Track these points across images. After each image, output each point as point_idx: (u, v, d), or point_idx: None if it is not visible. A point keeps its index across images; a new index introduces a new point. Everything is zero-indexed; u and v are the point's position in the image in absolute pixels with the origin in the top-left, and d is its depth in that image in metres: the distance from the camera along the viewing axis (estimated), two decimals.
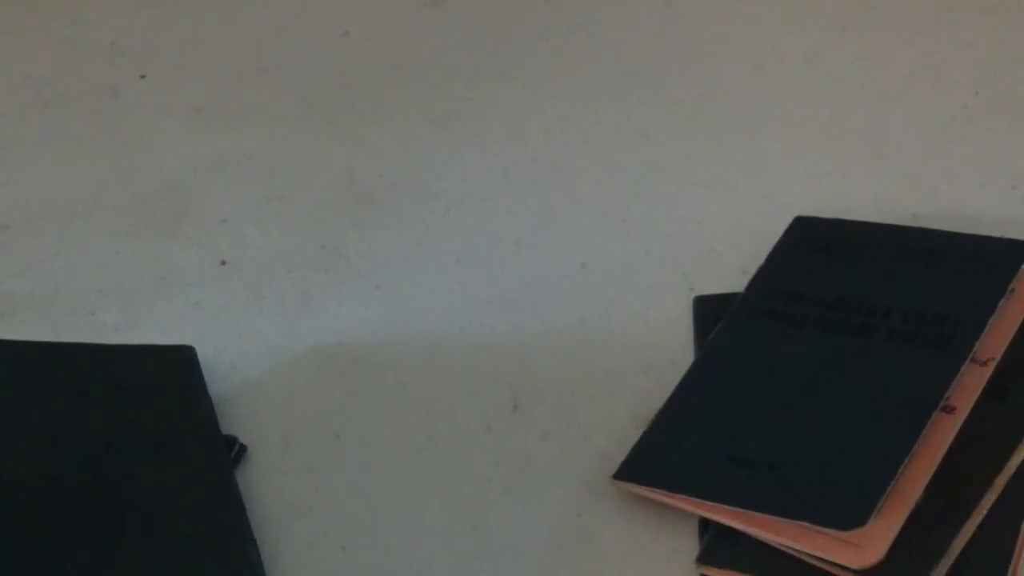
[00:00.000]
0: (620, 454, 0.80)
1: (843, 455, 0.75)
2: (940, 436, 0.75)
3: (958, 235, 0.88)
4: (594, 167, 1.02)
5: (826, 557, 0.71)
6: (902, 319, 0.82)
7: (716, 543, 0.75)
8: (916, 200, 0.95)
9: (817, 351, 0.82)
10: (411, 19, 1.19)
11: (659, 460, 0.79)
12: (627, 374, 0.86)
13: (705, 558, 0.74)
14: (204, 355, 0.88)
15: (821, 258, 0.88)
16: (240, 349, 0.91)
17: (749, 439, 0.78)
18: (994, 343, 0.80)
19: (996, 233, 0.87)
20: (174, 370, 0.87)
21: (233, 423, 0.85)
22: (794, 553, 0.72)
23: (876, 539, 0.71)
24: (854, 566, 0.70)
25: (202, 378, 0.86)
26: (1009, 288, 0.83)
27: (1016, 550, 0.72)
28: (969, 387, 0.78)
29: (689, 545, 0.76)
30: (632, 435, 0.81)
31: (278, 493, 0.81)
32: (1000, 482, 0.74)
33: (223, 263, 0.98)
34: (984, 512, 0.73)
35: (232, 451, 0.83)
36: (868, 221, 0.91)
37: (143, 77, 1.16)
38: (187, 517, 0.78)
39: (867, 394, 0.78)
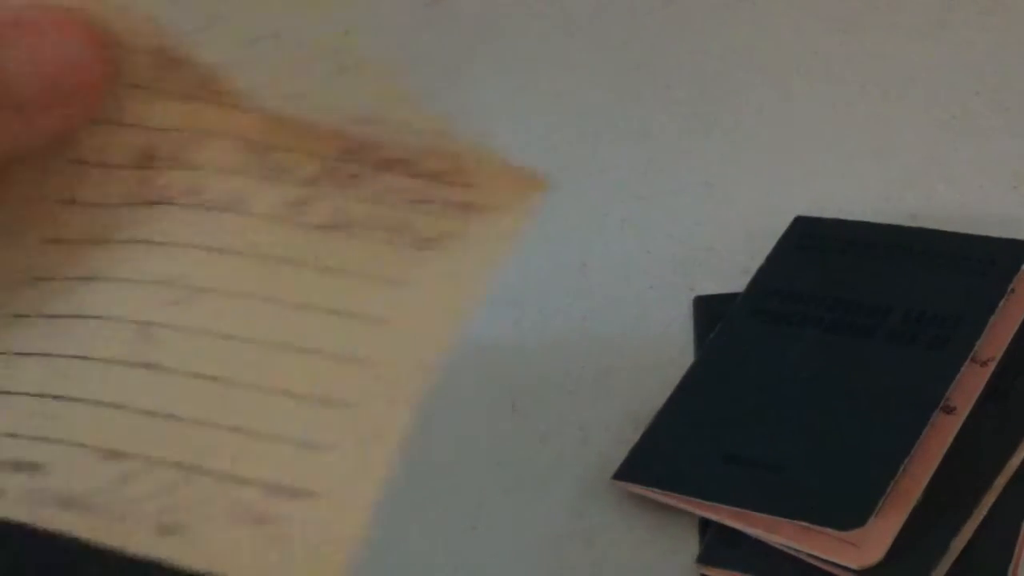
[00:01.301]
0: (620, 454, 0.80)
1: (843, 455, 0.75)
2: (940, 436, 0.75)
3: (958, 235, 0.88)
4: (594, 167, 1.02)
5: (826, 557, 0.71)
6: (902, 319, 0.82)
7: (716, 543, 0.75)
8: (916, 200, 0.95)
9: (817, 351, 0.82)
10: (411, 19, 1.19)
11: (659, 460, 0.79)
12: (627, 374, 0.86)
13: (705, 558, 0.74)
14: None
15: (821, 258, 0.88)
16: None
17: (749, 439, 0.78)
18: (994, 343, 0.80)
19: (996, 233, 0.87)
20: None
21: None
22: (794, 553, 0.72)
23: (876, 539, 0.71)
24: (854, 566, 0.70)
25: None
26: (1009, 288, 0.82)
27: (1016, 550, 0.72)
28: (969, 387, 0.78)
29: (689, 545, 0.76)
30: (632, 435, 0.80)
31: None
32: (1000, 482, 0.74)
33: None
34: (984, 512, 0.73)
35: None
36: (868, 221, 0.91)
37: None
38: None
39: (867, 394, 0.78)
